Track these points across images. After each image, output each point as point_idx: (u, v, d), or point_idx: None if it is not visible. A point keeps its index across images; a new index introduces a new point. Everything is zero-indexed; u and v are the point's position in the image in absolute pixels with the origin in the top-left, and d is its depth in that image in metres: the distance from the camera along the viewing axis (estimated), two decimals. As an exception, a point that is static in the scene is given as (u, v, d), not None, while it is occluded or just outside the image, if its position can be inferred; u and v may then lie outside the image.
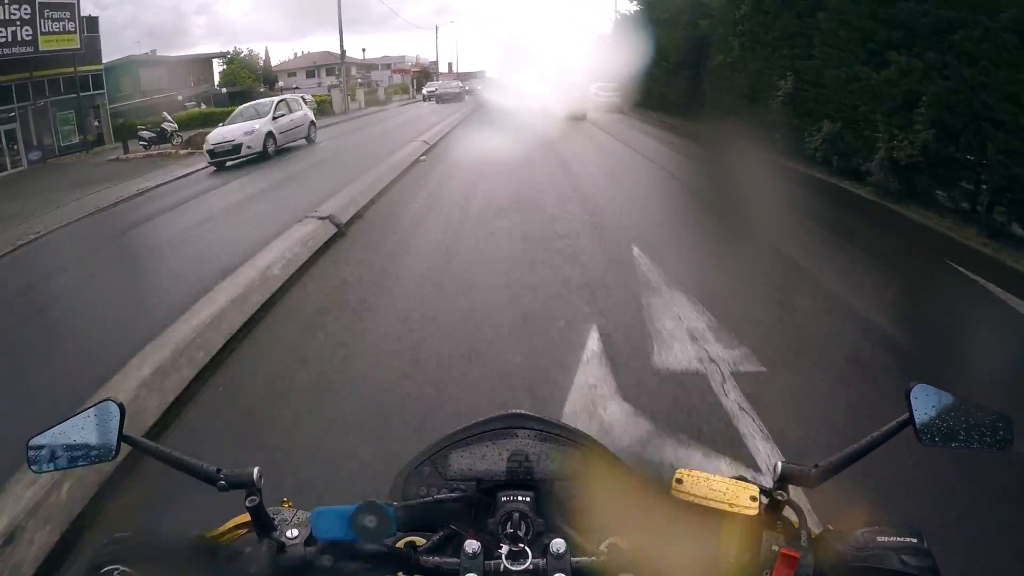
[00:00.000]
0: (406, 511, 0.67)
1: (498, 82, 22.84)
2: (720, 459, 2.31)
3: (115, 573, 0.56)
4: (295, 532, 0.64)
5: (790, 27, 9.23)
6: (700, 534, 0.62)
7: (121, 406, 0.67)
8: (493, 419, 0.72)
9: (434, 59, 46.70)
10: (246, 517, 0.64)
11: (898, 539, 0.57)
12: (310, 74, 37.82)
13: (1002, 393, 2.23)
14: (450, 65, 47.37)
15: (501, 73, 25.81)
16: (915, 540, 0.57)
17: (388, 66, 45.89)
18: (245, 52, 33.48)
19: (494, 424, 0.71)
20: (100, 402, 0.67)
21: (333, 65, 35.84)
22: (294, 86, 33.01)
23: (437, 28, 62.31)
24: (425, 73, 45.44)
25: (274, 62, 36.88)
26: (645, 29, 15.50)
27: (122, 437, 0.66)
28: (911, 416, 0.63)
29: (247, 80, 29.11)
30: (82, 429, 0.67)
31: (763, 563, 0.59)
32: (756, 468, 2.24)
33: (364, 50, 51.87)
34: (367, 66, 44.30)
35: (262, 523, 0.63)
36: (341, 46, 25.80)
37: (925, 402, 0.63)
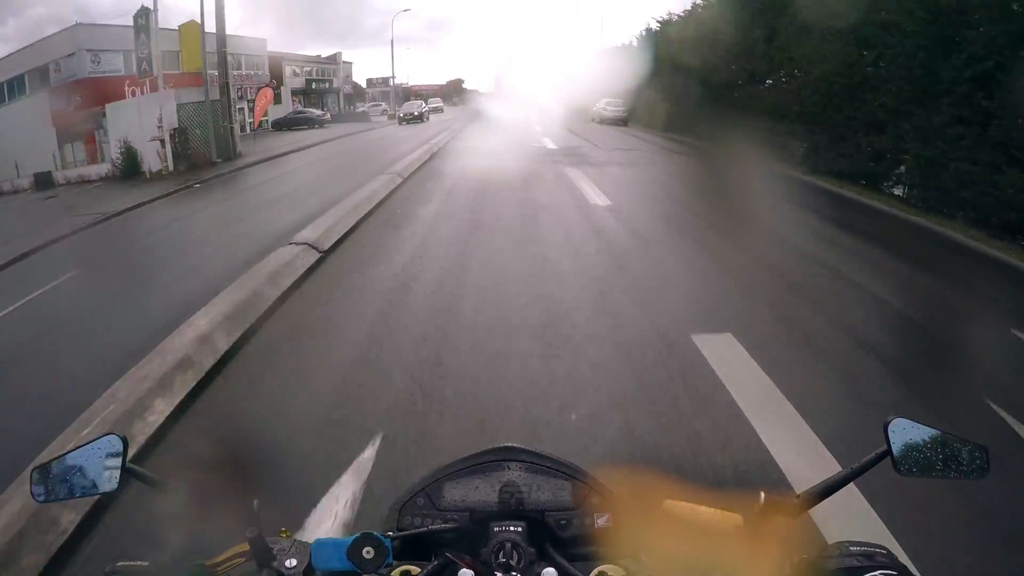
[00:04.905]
0: (401, 541, 0.69)
1: (493, 97, 24.11)
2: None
3: None
4: (293, 562, 0.65)
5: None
6: (686, 562, 0.64)
7: (124, 439, 0.68)
8: (485, 452, 0.74)
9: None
10: (245, 546, 0.66)
11: (869, 549, 0.60)
12: None
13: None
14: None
15: (496, 89, 26.70)
16: (884, 551, 0.60)
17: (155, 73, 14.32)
18: None
19: (486, 456, 0.73)
20: (104, 435, 0.69)
21: None
22: None
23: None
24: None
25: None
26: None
27: (125, 469, 0.68)
28: (889, 448, 0.65)
29: None
30: (86, 460, 0.69)
31: None
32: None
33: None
34: None
35: (261, 553, 0.64)
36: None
37: (902, 435, 0.65)
